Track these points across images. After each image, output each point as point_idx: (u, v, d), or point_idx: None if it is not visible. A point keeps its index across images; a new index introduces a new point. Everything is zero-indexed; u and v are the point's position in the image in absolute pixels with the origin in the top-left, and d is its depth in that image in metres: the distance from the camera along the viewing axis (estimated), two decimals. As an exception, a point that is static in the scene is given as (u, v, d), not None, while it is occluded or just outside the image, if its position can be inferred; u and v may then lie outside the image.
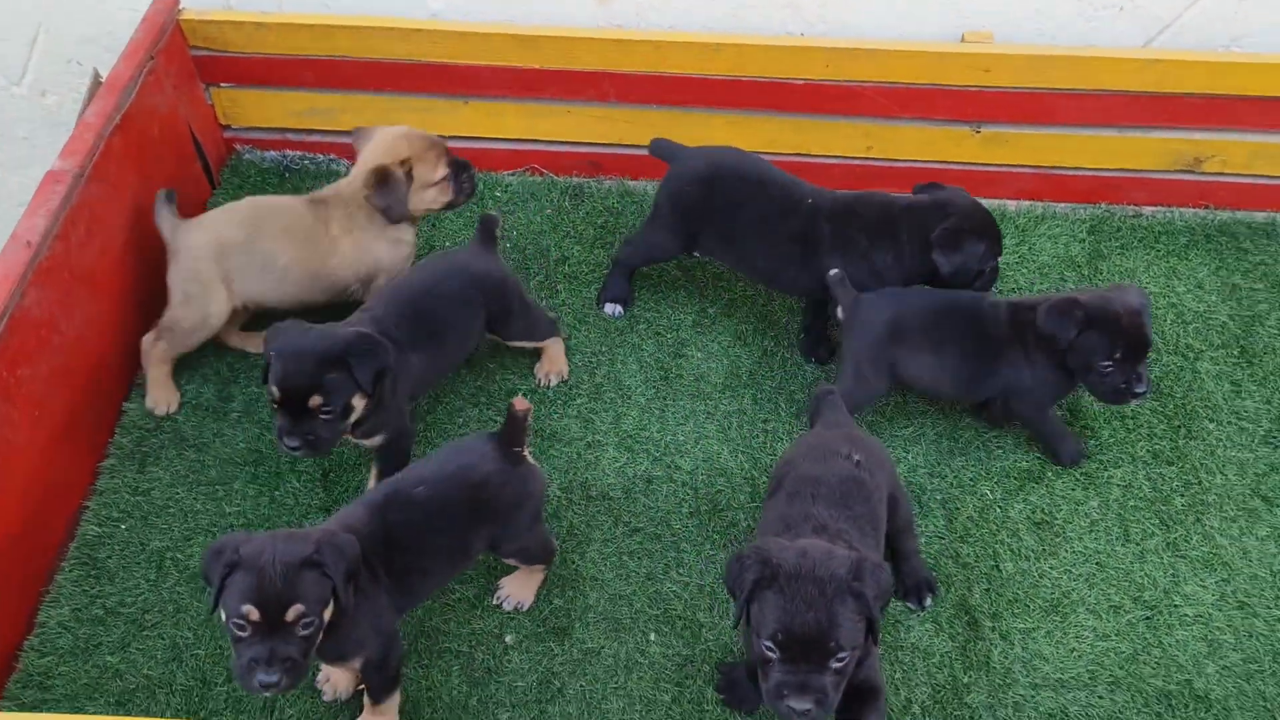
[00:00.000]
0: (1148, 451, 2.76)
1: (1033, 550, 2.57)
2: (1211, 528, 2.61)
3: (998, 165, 3.27)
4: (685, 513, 2.64)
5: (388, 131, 2.78)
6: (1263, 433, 2.79)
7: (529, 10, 3.19)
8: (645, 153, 3.11)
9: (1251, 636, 2.43)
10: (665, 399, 2.87)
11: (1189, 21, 3.10)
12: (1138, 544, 2.58)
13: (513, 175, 3.41)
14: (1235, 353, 2.97)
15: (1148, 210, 3.34)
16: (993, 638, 2.43)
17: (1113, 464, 2.73)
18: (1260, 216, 3.30)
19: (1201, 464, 2.73)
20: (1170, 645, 2.41)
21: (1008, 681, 2.36)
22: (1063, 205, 3.35)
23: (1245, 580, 2.52)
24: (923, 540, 2.57)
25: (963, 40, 3.08)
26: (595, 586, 2.51)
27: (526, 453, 2.28)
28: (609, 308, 3.00)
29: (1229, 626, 2.44)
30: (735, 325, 3.04)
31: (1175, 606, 2.48)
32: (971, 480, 2.71)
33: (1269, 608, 2.47)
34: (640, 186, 3.39)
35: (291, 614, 1.87)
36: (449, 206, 2.84)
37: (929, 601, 2.45)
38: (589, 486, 2.69)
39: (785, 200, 2.75)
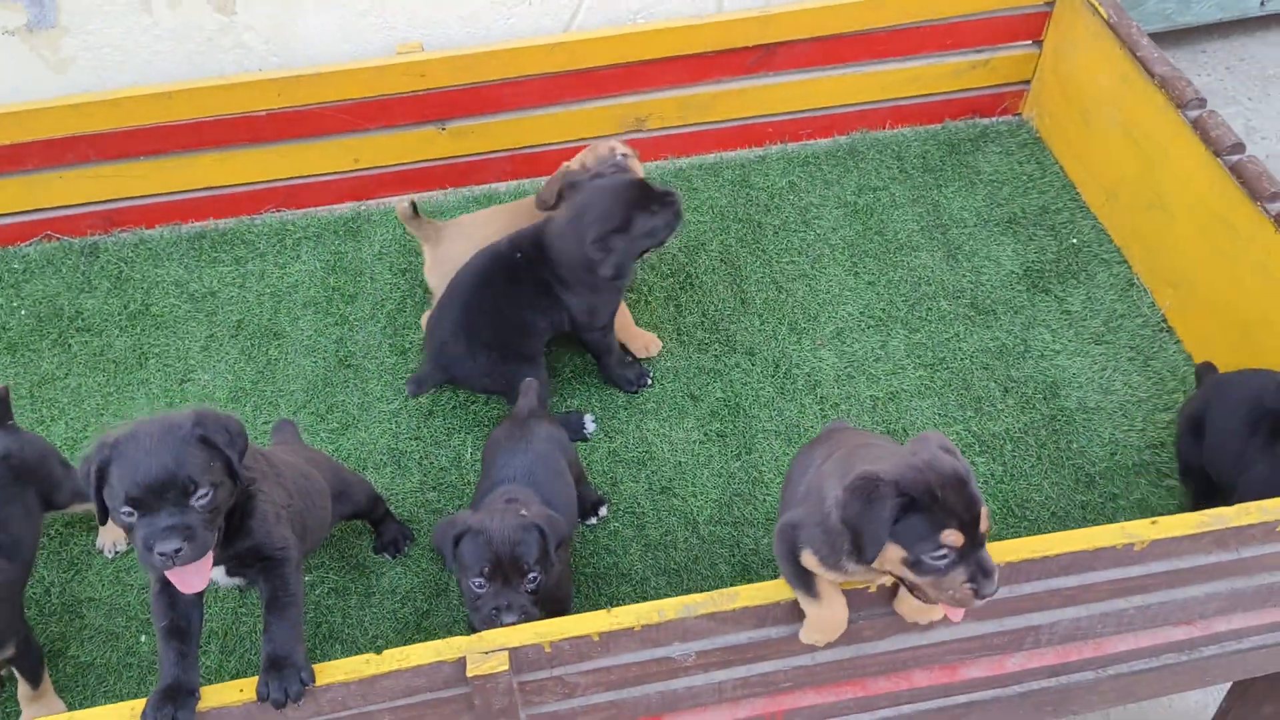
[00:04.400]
0: (602, 377, 3.16)
1: (497, 484, 2.93)
2: (647, 430, 3.03)
3: (473, 155, 3.65)
4: (183, 521, 2.88)
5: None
6: (697, 342, 3.24)
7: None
8: (158, 201, 3.45)
9: (670, 513, 2.85)
10: (170, 423, 3.09)
11: (592, 2, 3.54)
12: (586, 457, 2.97)
13: (30, 246, 3.56)
14: (681, 279, 3.42)
15: (618, 170, 3.77)
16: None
17: (570, 393, 3.13)
18: (710, 158, 3.80)
19: (645, 379, 3.15)
20: (604, 535, 2.81)
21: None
22: (546, 178, 3.71)
23: (670, 469, 2.94)
24: (400, 496, 2.90)
25: (396, 53, 3.43)
26: (92, 606, 2.72)
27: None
28: None
29: (653, 510, 2.86)
30: (242, 344, 3.29)
31: (614, 502, 2.87)
32: (446, 435, 3.05)
33: (686, 485, 2.90)
34: (156, 234, 3.61)
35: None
36: None
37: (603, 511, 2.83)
38: (89, 519, 2.88)
39: None
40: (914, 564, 1.79)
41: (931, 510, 1.75)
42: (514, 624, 2.11)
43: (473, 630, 2.58)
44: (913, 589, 1.86)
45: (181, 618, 2.04)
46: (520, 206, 3.17)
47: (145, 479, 1.84)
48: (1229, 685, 2.90)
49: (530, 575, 2.15)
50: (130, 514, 1.86)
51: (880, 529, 1.77)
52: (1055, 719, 2.47)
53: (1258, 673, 2.56)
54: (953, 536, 1.76)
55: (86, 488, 1.91)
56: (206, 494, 1.90)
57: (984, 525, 1.78)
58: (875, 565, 1.84)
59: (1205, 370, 2.82)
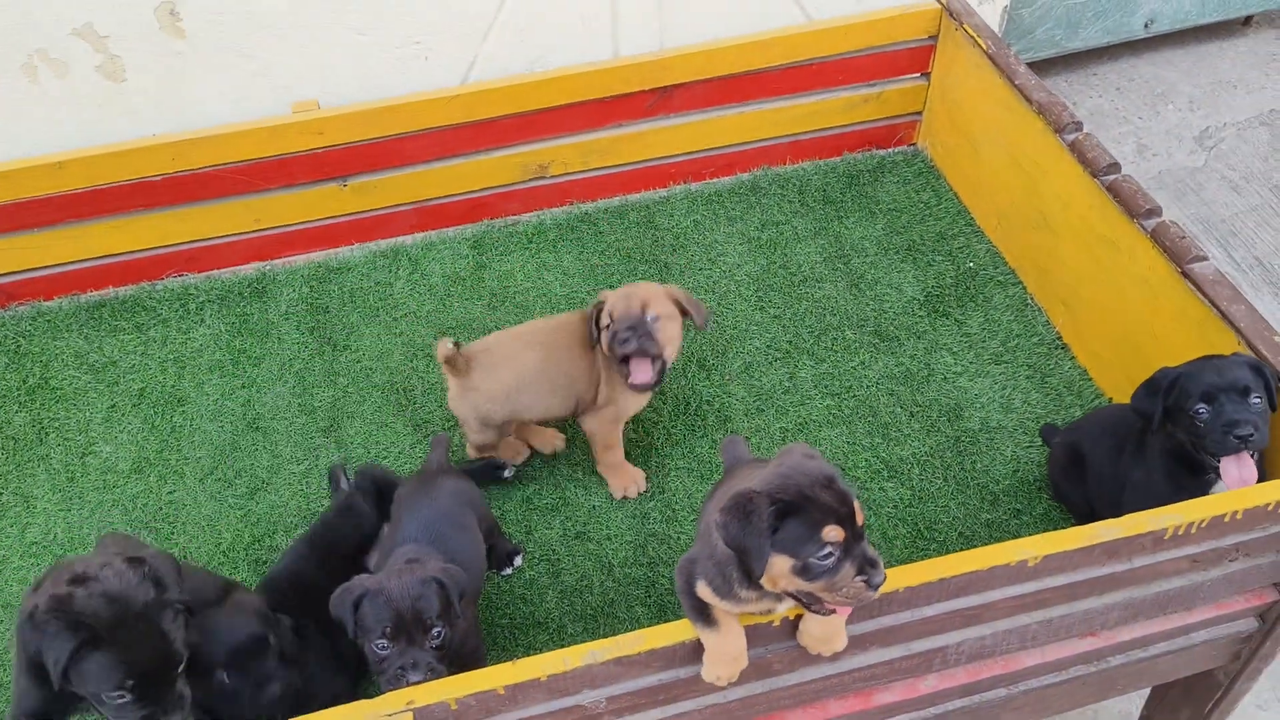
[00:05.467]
0: (514, 426, 3.15)
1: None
2: (560, 475, 3.02)
3: (375, 210, 3.64)
4: (86, 599, 2.80)
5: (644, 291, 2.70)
6: (607, 384, 3.24)
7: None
8: (55, 272, 3.41)
9: (586, 558, 2.84)
10: (70, 499, 3.02)
11: (489, 53, 3.57)
12: (500, 506, 2.95)
13: (-78, 324, 3.48)
14: (591, 322, 3.43)
15: (525, 217, 3.80)
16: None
17: (483, 445, 3.11)
18: (615, 201, 3.83)
19: (556, 424, 3.14)
20: (519, 584, 2.79)
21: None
22: (452, 229, 3.76)
23: (584, 513, 2.93)
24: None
25: (292, 111, 3.42)
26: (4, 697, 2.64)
27: None
28: None
29: (568, 556, 2.84)
30: (144, 412, 3.23)
31: (529, 550, 2.86)
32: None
33: (600, 529, 2.89)
34: (55, 305, 3.54)
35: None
36: None
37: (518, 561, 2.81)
38: (-19, 612, 2.80)
39: None
40: (803, 569, 1.79)
41: (807, 511, 1.77)
42: (421, 682, 2.08)
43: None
44: (808, 601, 1.86)
45: None
46: (557, 326, 2.85)
47: (137, 669, 1.86)
48: (1149, 693, 2.94)
49: (434, 631, 2.12)
50: (123, 697, 1.88)
51: (762, 541, 1.77)
52: (973, 738, 2.49)
53: (1168, 678, 2.61)
54: (834, 532, 1.77)
55: (43, 656, 1.88)
56: (183, 659, 1.94)
57: (859, 518, 1.80)
58: (766, 583, 1.84)
59: (1049, 431, 2.96)
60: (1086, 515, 2.71)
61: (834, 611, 1.89)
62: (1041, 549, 2.11)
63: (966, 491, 2.89)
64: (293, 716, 1.88)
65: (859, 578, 1.79)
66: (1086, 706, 2.86)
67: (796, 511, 1.77)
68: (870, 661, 2.21)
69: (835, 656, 2.13)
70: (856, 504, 1.80)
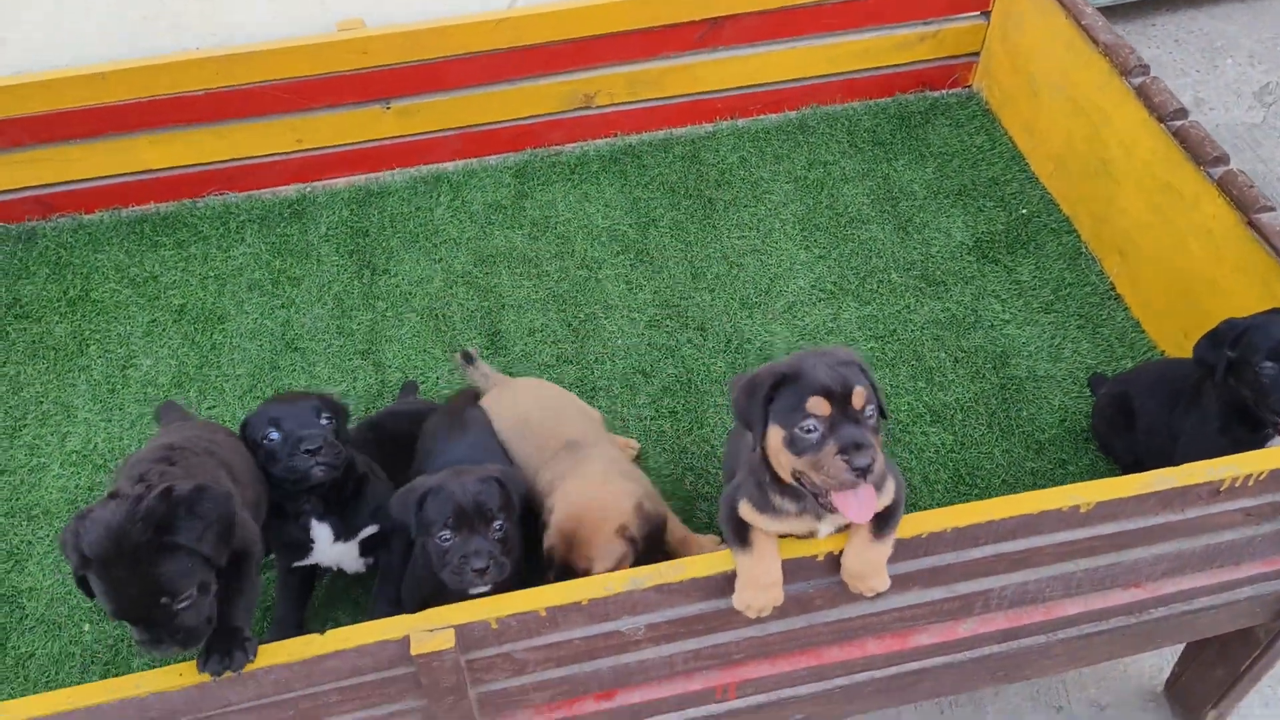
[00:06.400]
0: (553, 356, 3.13)
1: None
2: (599, 408, 2.98)
3: (419, 134, 3.59)
4: (126, 509, 2.82)
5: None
6: (648, 318, 3.21)
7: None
8: (96, 185, 3.40)
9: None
10: (112, 409, 3.03)
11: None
12: (537, 437, 2.94)
13: (-36, 232, 3.47)
14: (633, 255, 3.39)
15: (568, 148, 3.74)
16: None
17: (522, 373, 3.09)
18: (661, 134, 3.76)
19: (595, 356, 3.12)
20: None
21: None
22: (494, 157, 3.71)
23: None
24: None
25: (337, 30, 3.36)
26: (33, 596, 2.66)
27: None
28: None
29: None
30: (185, 328, 3.23)
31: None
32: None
33: (638, 462, 2.87)
34: (96, 218, 3.53)
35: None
36: None
37: None
38: (31, 508, 2.82)
39: None
40: (790, 442, 1.78)
41: (798, 383, 1.77)
42: (483, 570, 2.10)
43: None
44: (812, 490, 1.83)
45: None
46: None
47: (122, 604, 1.83)
48: (1181, 649, 2.92)
49: (496, 523, 2.13)
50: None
51: (757, 409, 1.80)
52: (1008, 684, 2.47)
53: (1208, 634, 2.57)
54: (817, 404, 1.75)
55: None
56: (179, 594, 1.86)
57: (857, 400, 1.77)
58: (771, 458, 1.84)
59: (1098, 380, 2.91)
60: (1131, 466, 2.67)
61: (836, 510, 1.84)
62: (1094, 495, 2.07)
63: (1011, 439, 2.85)
64: None
65: (839, 456, 1.75)
66: (1118, 660, 2.85)
67: (790, 382, 1.78)
68: (912, 601, 2.19)
69: (877, 596, 2.10)
70: (859, 389, 1.76)
